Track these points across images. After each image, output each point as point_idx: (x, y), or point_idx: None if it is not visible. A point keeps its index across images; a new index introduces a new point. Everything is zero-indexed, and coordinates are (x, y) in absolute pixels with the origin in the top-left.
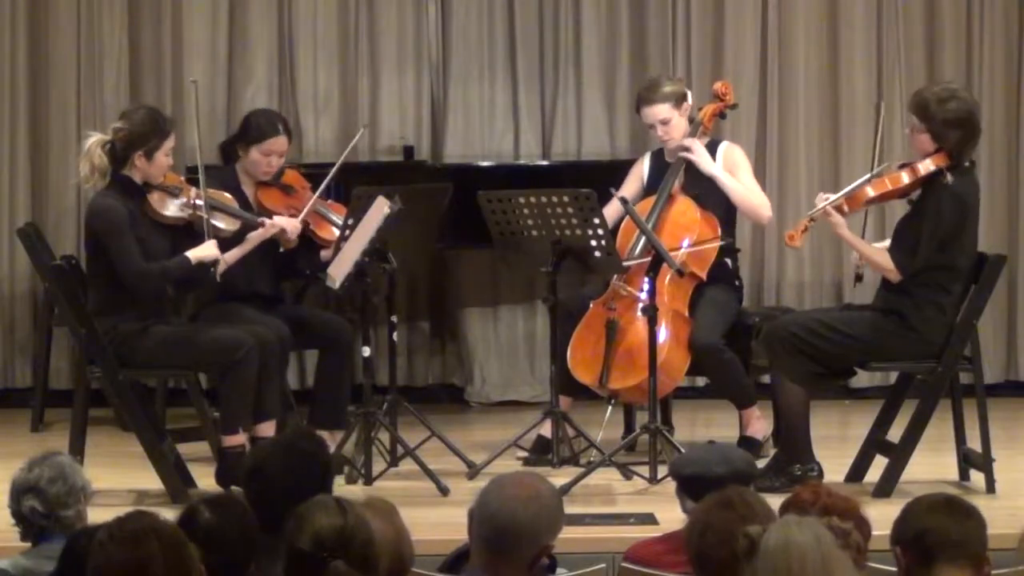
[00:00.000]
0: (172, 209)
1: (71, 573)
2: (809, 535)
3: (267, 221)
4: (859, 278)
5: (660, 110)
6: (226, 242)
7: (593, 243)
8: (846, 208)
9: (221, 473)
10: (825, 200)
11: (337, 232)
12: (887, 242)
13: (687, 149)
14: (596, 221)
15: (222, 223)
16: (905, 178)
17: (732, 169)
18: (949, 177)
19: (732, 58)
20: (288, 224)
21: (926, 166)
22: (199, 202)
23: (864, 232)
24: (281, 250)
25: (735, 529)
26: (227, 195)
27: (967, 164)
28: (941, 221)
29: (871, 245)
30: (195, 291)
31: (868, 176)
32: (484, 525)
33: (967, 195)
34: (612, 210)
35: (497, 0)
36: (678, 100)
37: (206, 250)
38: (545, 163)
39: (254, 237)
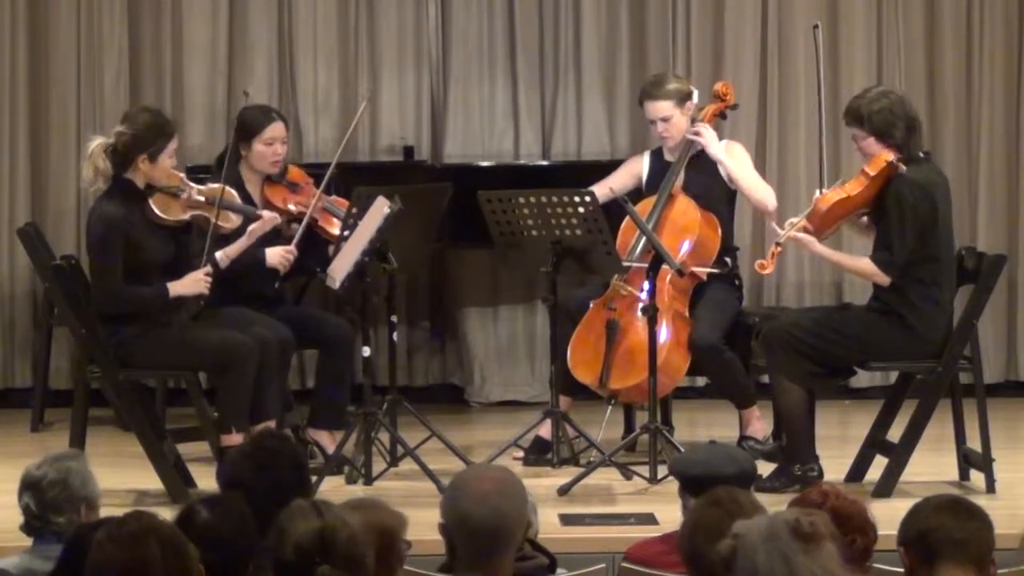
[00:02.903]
0: (174, 211)
1: (71, 569)
2: (776, 557)
3: (266, 213)
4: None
5: (663, 107)
6: (228, 237)
7: (593, 243)
8: (810, 227)
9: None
10: (790, 225)
11: None
12: None
13: (696, 133)
14: (596, 221)
15: (224, 220)
16: (861, 182)
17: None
18: (903, 167)
19: (732, 58)
20: (276, 258)
21: (876, 163)
22: (201, 199)
23: None
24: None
25: (724, 527)
26: (228, 189)
27: (921, 156)
28: (907, 208)
29: (850, 256)
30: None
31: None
32: (471, 532)
33: (929, 182)
34: (599, 193)
35: (497, 0)
36: (681, 99)
37: (189, 287)
38: (545, 163)
39: (255, 230)
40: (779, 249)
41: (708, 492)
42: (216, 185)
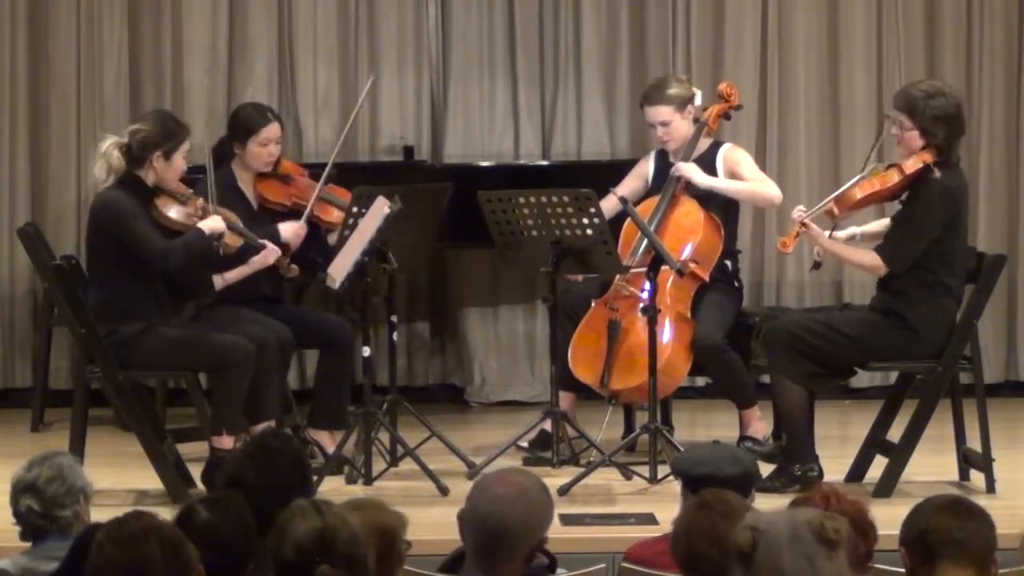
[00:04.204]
0: (177, 214)
1: (77, 569)
2: (801, 560)
3: (269, 245)
4: (817, 265)
5: (662, 111)
6: (228, 260)
7: (593, 243)
8: (836, 211)
9: (208, 473)
10: (801, 213)
11: (343, 214)
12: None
13: (679, 175)
14: (596, 221)
15: (227, 239)
16: (894, 177)
17: (734, 168)
18: (937, 172)
19: (732, 58)
20: (290, 233)
21: (914, 163)
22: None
23: None
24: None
25: (718, 528)
26: (231, 213)
27: (954, 160)
28: (934, 215)
29: (855, 249)
30: (195, 299)
31: (856, 178)
32: (476, 529)
33: (957, 189)
34: (608, 204)
35: (497, 0)
36: (682, 103)
37: (213, 222)
38: (545, 163)
39: (256, 262)
40: (803, 229)
41: (696, 495)
42: (223, 209)
